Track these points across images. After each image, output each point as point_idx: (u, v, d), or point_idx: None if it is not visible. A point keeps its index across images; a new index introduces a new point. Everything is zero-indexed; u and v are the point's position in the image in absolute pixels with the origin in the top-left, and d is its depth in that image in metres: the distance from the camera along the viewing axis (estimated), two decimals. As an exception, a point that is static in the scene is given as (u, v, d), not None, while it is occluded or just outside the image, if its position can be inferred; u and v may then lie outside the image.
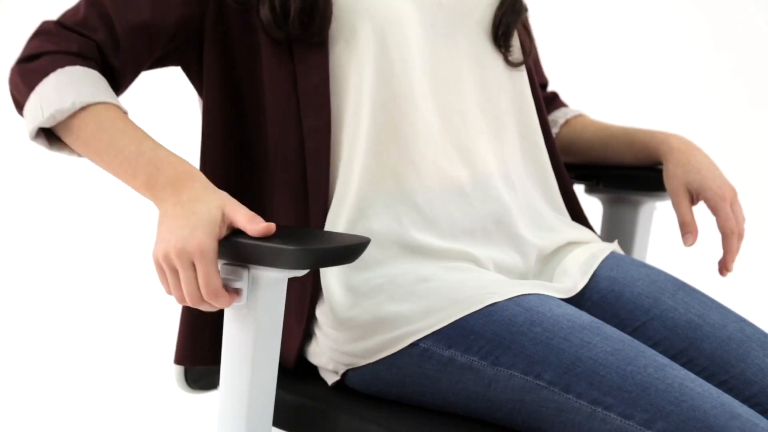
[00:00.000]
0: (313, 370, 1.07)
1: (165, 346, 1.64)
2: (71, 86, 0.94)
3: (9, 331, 2.45)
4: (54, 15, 1.02)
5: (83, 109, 0.94)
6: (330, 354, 1.01)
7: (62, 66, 0.96)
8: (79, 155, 0.99)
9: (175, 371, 1.12)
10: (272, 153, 1.01)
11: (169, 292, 0.87)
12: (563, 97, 1.37)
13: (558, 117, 1.32)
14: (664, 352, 1.01)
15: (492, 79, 1.09)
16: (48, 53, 0.97)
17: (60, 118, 0.94)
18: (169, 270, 0.85)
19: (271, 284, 0.87)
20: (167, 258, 0.84)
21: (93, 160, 0.96)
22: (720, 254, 1.14)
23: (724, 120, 2.80)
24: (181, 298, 0.86)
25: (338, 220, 0.99)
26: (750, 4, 2.83)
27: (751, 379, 0.97)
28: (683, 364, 0.99)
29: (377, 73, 1.00)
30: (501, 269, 1.04)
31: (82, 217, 2.84)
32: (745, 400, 0.96)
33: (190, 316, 1.05)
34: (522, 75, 1.13)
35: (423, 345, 0.95)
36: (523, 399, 0.90)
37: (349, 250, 0.86)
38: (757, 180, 2.56)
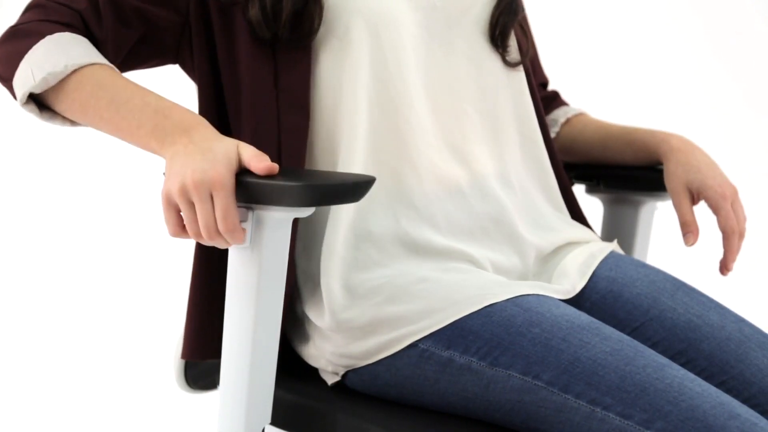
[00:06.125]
0: (313, 370, 1.07)
1: (165, 347, 1.64)
2: (61, 50, 0.94)
3: (9, 333, 2.46)
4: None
5: (76, 71, 0.94)
6: (329, 357, 1.01)
7: (50, 33, 0.95)
8: (72, 122, 0.99)
9: (176, 371, 1.12)
10: None
11: (175, 233, 0.86)
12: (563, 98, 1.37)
13: (559, 116, 1.32)
14: (662, 353, 1.01)
15: (489, 79, 1.09)
16: (35, 21, 0.97)
17: (53, 81, 0.94)
18: (185, 203, 0.84)
19: (276, 225, 0.86)
20: (184, 190, 0.83)
21: (90, 122, 0.95)
22: (721, 254, 1.14)
23: (722, 121, 2.80)
24: (196, 233, 0.85)
25: (338, 222, 0.99)
26: (748, 6, 2.83)
27: (749, 379, 0.97)
28: (682, 365, 0.99)
29: (372, 72, 1.00)
30: (499, 270, 1.04)
31: (81, 219, 2.84)
32: (745, 401, 0.96)
33: (198, 309, 1.03)
34: (520, 75, 1.13)
35: (422, 346, 0.95)
36: (522, 399, 0.90)
37: (354, 186, 0.85)
38: (756, 180, 2.55)
